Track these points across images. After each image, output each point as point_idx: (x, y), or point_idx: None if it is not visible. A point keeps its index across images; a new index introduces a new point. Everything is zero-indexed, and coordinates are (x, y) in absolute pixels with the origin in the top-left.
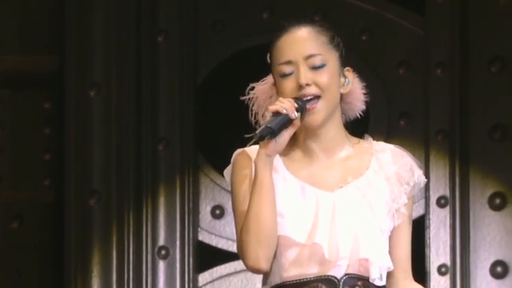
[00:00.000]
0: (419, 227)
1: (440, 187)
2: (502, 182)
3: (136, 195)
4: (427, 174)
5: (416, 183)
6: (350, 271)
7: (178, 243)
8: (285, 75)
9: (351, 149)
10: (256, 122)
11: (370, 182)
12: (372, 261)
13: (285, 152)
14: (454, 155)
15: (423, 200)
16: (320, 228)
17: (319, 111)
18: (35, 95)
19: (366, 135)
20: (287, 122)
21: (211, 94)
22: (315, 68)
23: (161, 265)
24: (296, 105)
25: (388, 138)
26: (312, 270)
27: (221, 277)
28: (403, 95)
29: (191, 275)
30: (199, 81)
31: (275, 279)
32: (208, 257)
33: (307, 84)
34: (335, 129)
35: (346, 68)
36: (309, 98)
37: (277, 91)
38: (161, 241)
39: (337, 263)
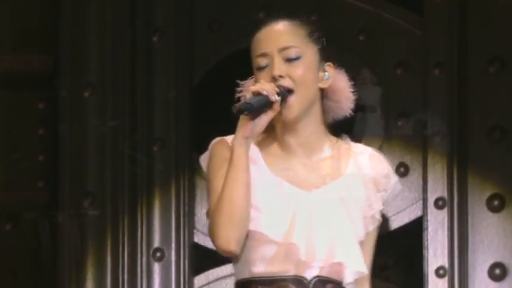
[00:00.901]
0: (417, 229)
1: (438, 188)
2: (501, 183)
3: (131, 196)
4: (424, 176)
5: (392, 189)
6: (322, 274)
7: (173, 245)
8: (260, 68)
9: (330, 148)
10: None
11: (348, 185)
12: (347, 265)
13: (263, 146)
14: (452, 156)
15: (421, 202)
16: (298, 228)
17: (292, 104)
18: (29, 96)
19: (344, 136)
20: (266, 103)
21: (207, 94)
22: (289, 60)
23: (156, 267)
24: (277, 89)
25: (385, 139)
26: (283, 269)
27: (217, 279)
28: (401, 95)
29: (187, 278)
30: (195, 81)
31: (243, 274)
32: (204, 259)
33: (281, 76)
34: (313, 126)
35: (327, 63)
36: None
37: (255, 79)
38: (156, 243)
39: (311, 264)
